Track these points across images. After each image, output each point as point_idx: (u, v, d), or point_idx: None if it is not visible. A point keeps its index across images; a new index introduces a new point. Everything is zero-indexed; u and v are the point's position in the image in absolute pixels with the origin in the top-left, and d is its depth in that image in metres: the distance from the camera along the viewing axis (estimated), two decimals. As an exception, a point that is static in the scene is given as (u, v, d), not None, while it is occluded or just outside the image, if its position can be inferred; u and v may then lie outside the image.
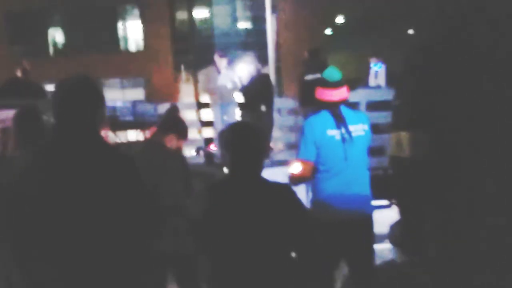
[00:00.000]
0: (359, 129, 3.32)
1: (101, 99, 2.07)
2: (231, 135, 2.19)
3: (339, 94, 3.33)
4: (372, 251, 3.42)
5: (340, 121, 3.27)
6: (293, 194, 2.22)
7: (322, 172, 3.30)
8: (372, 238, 3.44)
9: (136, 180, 2.04)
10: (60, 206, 1.93)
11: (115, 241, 1.98)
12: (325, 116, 3.31)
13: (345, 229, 3.26)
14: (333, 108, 3.30)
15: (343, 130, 3.25)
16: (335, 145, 3.25)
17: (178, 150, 3.59)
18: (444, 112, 3.01)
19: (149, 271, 2.31)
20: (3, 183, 2.01)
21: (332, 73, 3.39)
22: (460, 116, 2.88)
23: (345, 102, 3.39)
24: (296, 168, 3.33)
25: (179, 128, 3.56)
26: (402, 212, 3.73)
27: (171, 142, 3.47)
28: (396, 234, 4.58)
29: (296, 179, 3.36)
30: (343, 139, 3.24)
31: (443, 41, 3.10)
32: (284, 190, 2.22)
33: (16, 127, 3.19)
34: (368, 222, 3.40)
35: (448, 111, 2.97)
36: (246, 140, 2.16)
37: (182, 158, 3.67)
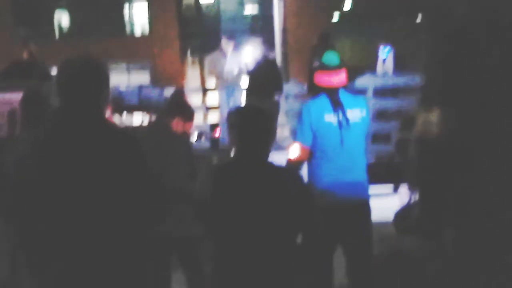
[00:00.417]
0: (356, 113, 3.32)
1: (105, 79, 2.05)
2: (238, 118, 2.17)
3: (338, 79, 3.33)
4: (369, 237, 3.43)
5: (337, 106, 3.27)
6: (299, 178, 2.21)
7: (317, 157, 3.30)
8: (369, 223, 3.44)
9: (141, 162, 2.03)
10: (63, 186, 1.92)
11: (119, 222, 1.97)
12: (323, 100, 3.30)
13: (340, 215, 3.26)
14: (332, 93, 3.30)
15: (340, 115, 3.25)
16: (331, 130, 3.25)
17: (185, 134, 3.58)
18: (473, 92, 2.98)
19: (152, 253, 2.30)
20: (8, 163, 2.00)
21: (331, 57, 3.38)
22: (490, 97, 2.85)
23: (345, 87, 3.38)
24: (293, 152, 3.32)
25: (185, 112, 3.55)
26: (421, 195, 3.71)
27: (177, 125, 3.46)
28: (400, 220, 4.60)
29: (293, 164, 3.36)
30: (340, 124, 3.24)
31: (475, 23, 3.08)
32: (290, 174, 2.21)
33: (22, 110, 3.21)
34: (363, 207, 3.40)
35: (477, 91, 2.94)
36: (254, 123, 2.15)
37: (188, 142, 3.66)
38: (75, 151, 1.94)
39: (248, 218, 2.07)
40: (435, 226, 3.66)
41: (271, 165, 2.19)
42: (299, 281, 2.19)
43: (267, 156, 2.20)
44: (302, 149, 3.29)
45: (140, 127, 6.95)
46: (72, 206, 1.93)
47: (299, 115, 3.39)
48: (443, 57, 3.38)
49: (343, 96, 3.32)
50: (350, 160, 3.29)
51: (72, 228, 1.94)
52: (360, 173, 3.37)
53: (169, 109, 3.61)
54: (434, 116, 3.38)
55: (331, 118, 3.26)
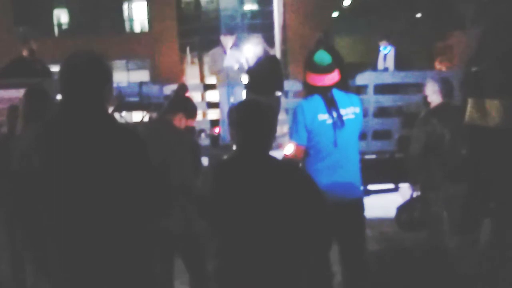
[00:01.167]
0: (350, 112, 3.31)
1: (108, 74, 2.04)
2: (240, 113, 2.16)
3: (330, 78, 3.31)
4: (362, 235, 3.43)
5: (331, 106, 3.26)
6: (303, 172, 2.20)
7: (311, 156, 3.30)
8: (362, 221, 3.44)
9: (143, 157, 2.02)
10: (67, 180, 1.92)
11: (121, 217, 1.97)
12: (316, 100, 3.29)
13: (334, 213, 3.25)
14: (325, 92, 3.29)
15: (334, 114, 3.24)
16: (325, 130, 3.25)
17: (187, 130, 3.58)
18: None
19: (155, 248, 2.30)
20: (12, 159, 1.99)
21: (323, 57, 3.36)
22: None
23: (337, 85, 3.37)
24: (288, 152, 3.34)
25: (188, 108, 3.55)
26: (469, 188, 3.67)
27: (179, 121, 3.46)
28: (402, 215, 4.59)
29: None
30: (334, 124, 3.24)
31: None
32: (293, 168, 2.20)
33: (26, 106, 3.21)
34: (357, 205, 3.39)
35: None
36: (255, 118, 2.14)
37: (191, 138, 3.66)
38: (78, 146, 1.93)
39: (251, 213, 2.06)
40: (476, 221, 3.63)
41: (273, 159, 2.18)
42: (302, 276, 2.18)
43: (268, 150, 2.19)
44: (297, 149, 3.30)
45: (141, 123, 6.93)
46: (75, 200, 1.93)
47: (293, 115, 3.39)
48: (497, 48, 3.33)
49: (337, 95, 3.32)
50: (344, 159, 3.28)
51: (76, 222, 1.94)
52: (353, 172, 3.37)
53: (172, 105, 3.60)
54: (488, 105, 3.32)
55: (324, 117, 3.26)
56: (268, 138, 2.18)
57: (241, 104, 2.22)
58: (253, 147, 2.13)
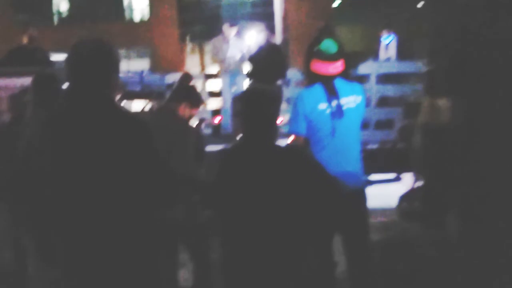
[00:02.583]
0: (351, 101, 3.30)
1: (116, 62, 2.03)
2: (245, 101, 2.15)
3: (335, 67, 3.30)
4: (365, 225, 3.43)
5: (332, 95, 3.25)
6: (308, 157, 2.19)
7: (312, 145, 3.28)
8: (365, 211, 3.43)
9: (149, 146, 2.01)
10: (72, 169, 1.91)
11: (127, 205, 1.96)
12: (317, 89, 3.28)
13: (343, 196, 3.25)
14: (327, 81, 3.28)
15: (334, 104, 3.23)
16: (325, 119, 3.23)
17: (191, 119, 3.57)
18: (485, 79, 2.96)
19: (161, 237, 2.29)
20: (18, 147, 1.99)
21: (329, 46, 3.34)
22: (502, 85, 2.83)
23: (341, 75, 3.35)
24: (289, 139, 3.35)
25: (192, 97, 3.54)
26: (426, 182, 3.71)
27: (183, 110, 3.45)
28: (404, 203, 4.61)
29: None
30: (333, 113, 3.22)
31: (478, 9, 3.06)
32: (298, 154, 2.19)
33: (33, 93, 3.21)
34: (358, 195, 3.37)
35: (489, 78, 2.92)
36: (259, 105, 2.13)
37: (195, 128, 3.65)
38: (85, 133, 1.93)
39: (257, 201, 2.05)
40: (438, 214, 3.66)
41: (278, 146, 2.17)
42: (306, 266, 2.18)
43: (274, 138, 2.18)
44: (297, 139, 3.29)
45: (142, 112, 6.91)
46: (81, 188, 1.92)
47: (293, 104, 3.38)
48: (449, 45, 3.34)
49: (339, 84, 3.31)
50: (344, 148, 3.27)
51: (82, 210, 1.93)
52: (354, 161, 3.36)
53: (176, 94, 3.59)
54: (441, 103, 3.36)
55: (324, 106, 3.25)
56: (273, 125, 2.17)
57: (246, 92, 2.22)
58: (259, 135, 2.12)
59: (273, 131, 2.18)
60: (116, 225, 1.97)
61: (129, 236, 1.99)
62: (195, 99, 3.56)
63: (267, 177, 2.07)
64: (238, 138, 2.26)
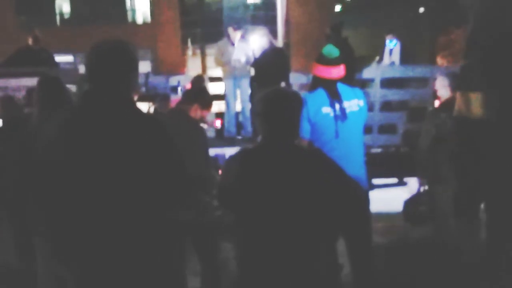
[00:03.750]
0: (353, 105, 3.35)
1: (135, 63, 2.05)
2: (265, 102, 2.16)
3: (337, 71, 3.37)
4: (367, 228, 3.44)
5: (335, 99, 3.30)
6: (330, 159, 2.19)
7: None
8: (367, 215, 3.45)
9: (167, 146, 2.02)
10: (89, 168, 1.92)
11: (143, 206, 1.97)
12: (320, 93, 3.34)
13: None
14: (330, 85, 3.33)
15: (337, 107, 3.28)
16: (328, 123, 3.28)
17: (201, 121, 3.59)
18: None
19: (174, 238, 2.30)
20: (35, 146, 2.00)
21: (331, 50, 3.42)
22: None
23: (343, 80, 3.41)
24: None
25: (204, 99, 3.56)
26: (458, 178, 3.71)
27: (195, 112, 3.47)
28: (410, 208, 4.61)
29: None
30: (336, 117, 3.27)
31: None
32: (320, 156, 2.20)
33: (39, 94, 3.22)
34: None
35: None
36: (284, 107, 2.14)
37: (203, 129, 3.67)
38: (104, 133, 1.93)
39: (278, 202, 2.05)
40: (471, 207, 3.67)
41: (299, 147, 2.19)
42: (322, 266, 2.19)
43: (294, 139, 2.19)
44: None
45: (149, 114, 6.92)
46: (99, 188, 1.92)
47: None
48: (485, 41, 3.36)
49: (341, 88, 3.36)
50: (348, 151, 3.29)
51: (97, 210, 1.94)
52: (358, 164, 3.39)
53: (188, 95, 3.61)
54: (474, 97, 3.37)
55: (328, 110, 3.29)
56: (295, 126, 2.19)
57: (267, 94, 2.22)
58: (281, 136, 2.13)
59: (295, 132, 2.20)
60: (131, 224, 1.97)
61: (145, 236, 2.00)
62: (206, 101, 3.59)
63: (290, 177, 2.07)
64: (258, 139, 2.27)
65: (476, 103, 3.33)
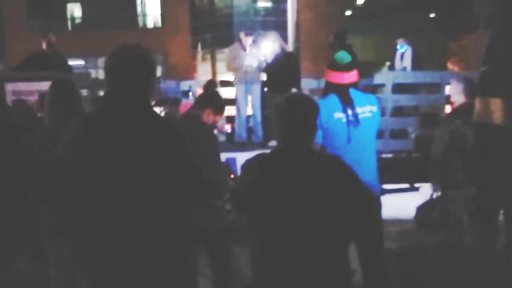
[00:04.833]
0: (366, 110, 3.35)
1: (153, 68, 2.06)
2: (284, 106, 2.17)
3: (349, 77, 3.38)
4: (379, 232, 3.44)
5: (347, 104, 3.30)
6: (346, 165, 2.20)
7: None
8: (379, 220, 3.44)
9: (184, 151, 2.04)
10: (107, 172, 1.93)
11: (163, 208, 1.98)
12: (332, 99, 3.34)
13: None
14: (342, 90, 3.34)
15: (349, 112, 3.28)
16: (341, 128, 3.28)
17: (214, 126, 3.60)
18: None
19: (191, 242, 2.31)
20: (56, 149, 2.01)
21: (343, 56, 3.44)
22: None
23: (355, 85, 3.42)
24: None
25: (216, 103, 3.57)
26: (478, 179, 3.71)
27: (207, 116, 3.48)
28: (422, 214, 4.58)
29: None
30: (349, 122, 3.27)
31: None
32: (336, 162, 2.20)
33: (52, 98, 3.23)
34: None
35: None
36: (302, 112, 2.14)
37: (215, 134, 3.68)
38: (121, 137, 1.95)
39: (295, 206, 2.05)
40: (490, 213, 3.66)
41: (316, 153, 2.19)
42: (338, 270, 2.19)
43: (310, 144, 2.20)
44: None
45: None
46: (117, 192, 1.94)
47: None
48: (505, 47, 3.37)
49: (353, 94, 3.37)
50: (360, 157, 3.28)
51: (115, 213, 1.95)
52: (370, 170, 3.39)
53: (201, 100, 3.62)
54: (494, 103, 3.37)
55: (340, 115, 3.29)
56: (313, 130, 2.19)
57: (285, 98, 2.23)
58: (298, 139, 2.14)
59: (312, 137, 2.21)
60: (149, 228, 1.98)
61: (164, 239, 2.01)
62: (219, 106, 3.60)
63: (306, 182, 2.07)
64: (272, 144, 2.27)
65: (495, 108, 3.32)
